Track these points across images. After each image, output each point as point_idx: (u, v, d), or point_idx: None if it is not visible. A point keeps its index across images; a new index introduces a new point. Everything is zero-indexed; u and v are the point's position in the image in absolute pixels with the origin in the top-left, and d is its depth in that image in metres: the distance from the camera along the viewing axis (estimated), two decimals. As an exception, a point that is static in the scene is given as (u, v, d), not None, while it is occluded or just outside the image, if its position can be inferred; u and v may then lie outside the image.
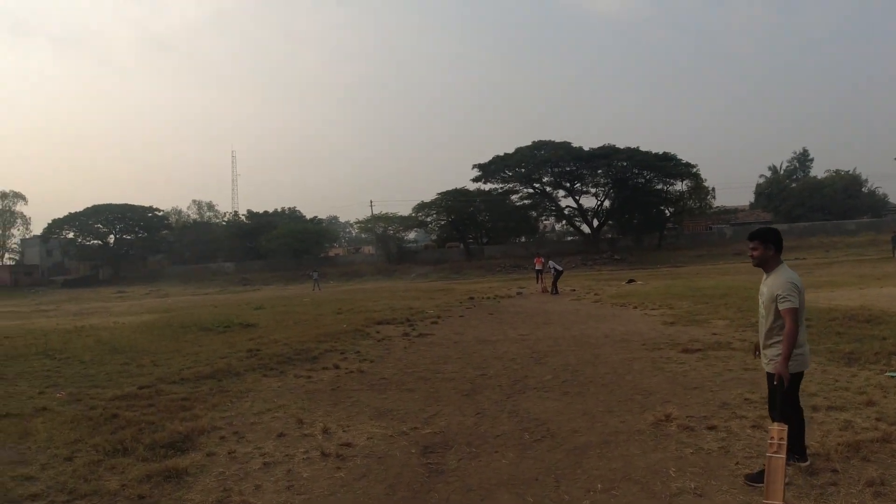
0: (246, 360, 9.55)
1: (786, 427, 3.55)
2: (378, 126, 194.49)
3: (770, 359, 4.06)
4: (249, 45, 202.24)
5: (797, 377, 4.06)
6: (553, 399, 6.49)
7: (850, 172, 68.81)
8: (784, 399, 3.86)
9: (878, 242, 42.78)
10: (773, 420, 3.74)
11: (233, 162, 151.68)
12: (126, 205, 73.30)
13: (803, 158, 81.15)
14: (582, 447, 4.87)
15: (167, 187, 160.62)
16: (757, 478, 3.84)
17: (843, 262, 32.09)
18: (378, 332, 12.61)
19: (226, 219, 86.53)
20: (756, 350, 4.47)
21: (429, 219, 64.47)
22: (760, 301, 4.24)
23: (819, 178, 71.32)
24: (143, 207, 74.35)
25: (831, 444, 4.45)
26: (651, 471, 4.28)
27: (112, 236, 74.19)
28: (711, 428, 5.11)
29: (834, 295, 14.51)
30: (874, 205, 68.57)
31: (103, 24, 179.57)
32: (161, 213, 77.52)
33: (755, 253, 4.17)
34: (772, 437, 3.51)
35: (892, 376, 6.31)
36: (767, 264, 4.16)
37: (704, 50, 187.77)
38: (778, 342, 4.00)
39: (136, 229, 74.08)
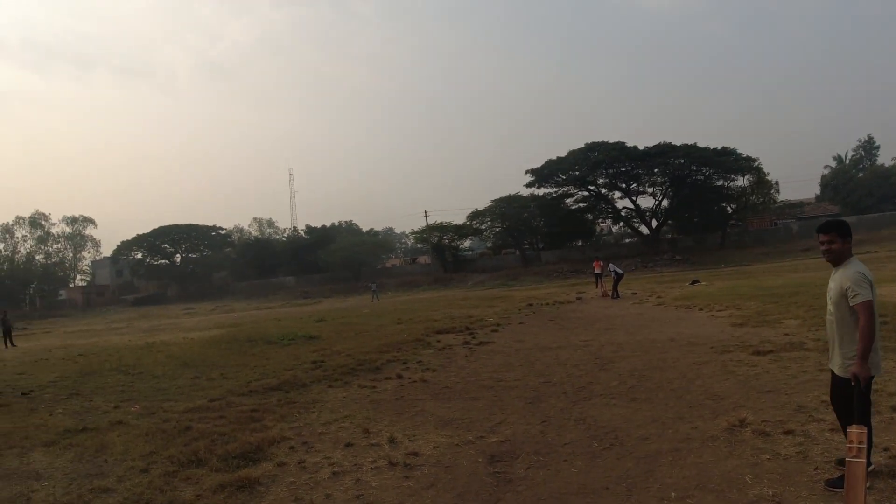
0: (311, 371, 9.75)
1: (865, 430, 3.36)
2: (431, 136, 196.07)
3: (844, 360, 3.83)
4: (298, 64, 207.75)
5: (868, 383, 3.77)
6: (620, 406, 6.36)
7: (921, 158, 65.00)
8: (861, 401, 3.62)
9: (959, 231, 40.17)
10: (851, 424, 3.52)
11: (290, 178, 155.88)
12: (190, 225, 76.52)
13: (869, 146, 77.13)
14: (653, 455, 4.75)
15: (229, 206, 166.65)
16: (837, 483, 3.67)
17: (921, 254, 30.32)
18: (439, 342, 12.67)
19: (285, 234, 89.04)
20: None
21: (483, 226, 64.47)
22: (829, 297, 4.01)
23: (887, 166, 67.70)
24: (206, 227, 77.49)
25: (916, 447, 4.21)
26: (726, 478, 4.15)
27: (178, 255, 77.54)
28: (788, 432, 4.91)
29: (914, 289, 13.72)
30: (947, 190, 64.47)
31: (162, 52, 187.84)
32: (224, 232, 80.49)
33: (833, 247, 3.91)
34: (850, 441, 3.33)
35: None
36: (841, 257, 3.91)
37: (756, 39, 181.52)
38: (850, 342, 3.77)
39: (201, 248, 77.26)
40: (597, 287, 26.02)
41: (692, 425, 5.42)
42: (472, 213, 63.85)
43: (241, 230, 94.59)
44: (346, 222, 77.13)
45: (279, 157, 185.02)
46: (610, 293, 22.33)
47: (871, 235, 46.24)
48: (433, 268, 66.57)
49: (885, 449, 4.28)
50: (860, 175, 68.49)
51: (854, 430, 3.36)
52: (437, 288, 52.80)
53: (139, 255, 77.80)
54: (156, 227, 75.55)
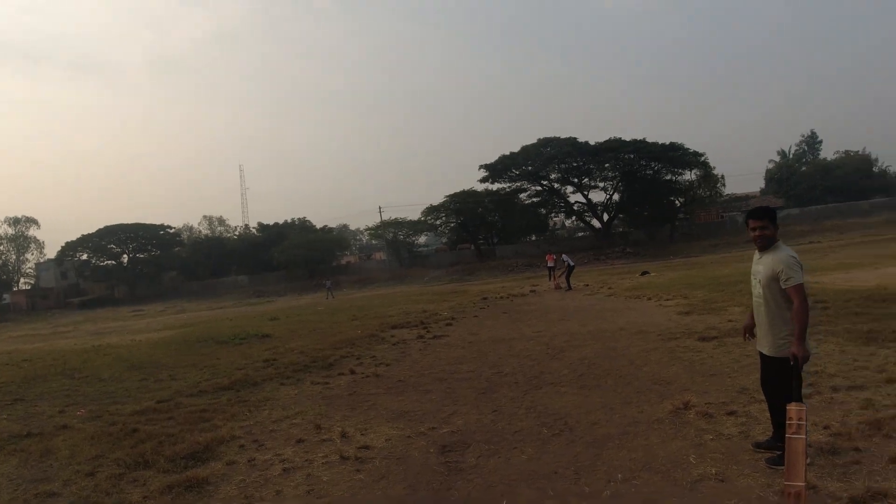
0: (263, 370, 9.61)
1: (804, 407, 3.47)
2: (383, 131, 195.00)
3: (777, 341, 3.95)
4: (252, 59, 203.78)
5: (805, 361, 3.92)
6: (571, 393, 6.46)
7: (861, 153, 68.13)
8: (798, 380, 3.74)
9: (893, 222, 42.25)
10: (790, 402, 3.61)
11: (241, 175, 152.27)
12: (138, 224, 74.05)
13: (812, 141, 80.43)
14: (601, 439, 4.84)
15: (178, 204, 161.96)
16: (778, 461, 3.79)
17: (859, 244, 31.73)
18: (393, 336, 12.64)
19: (237, 232, 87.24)
20: (746, 332, 4.39)
21: (438, 222, 64.59)
22: (755, 281, 4.11)
23: (829, 160, 70.63)
24: (154, 226, 75.11)
25: (852, 423, 4.42)
26: (671, 459, 4.25)
27: (125, 256, 74.95)
28: (731, 413, 5.08)
29: (850, 276, 14.37)
30: (887, 184, 67.70)
31: (111, 46, 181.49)
32: (173, 230, 78.25)
33: (766, 232, 4.01)
34: (790, 418, 3.43)
35: None
36: (770, 243, 4.02)
37: (702, 36, 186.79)
38: (785, 323, 3.90)
39: (149, 247, 74.78)
40: (550, 280, 26.36)
41: (639, 409, 5.54)
42: (427, 208, 63.91)
43: (190, 229, 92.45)
44: (299, 219, 75.76)
45: (230, 154, 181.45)
46: (563, 285, 22.66)
47: (815, 227, 48.22)
48: (389, 264, 66.32)
49: (826, 427, 4.44)
50: (803, 169, 71.26)
51: (793, 407, 3.46)
52: (393, 284, 52.63)
53: (85, 257, 74.91)
54: (101, 226, 73.02)
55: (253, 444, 5.54)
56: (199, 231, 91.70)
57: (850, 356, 6.54)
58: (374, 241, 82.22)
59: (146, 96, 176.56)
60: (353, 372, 8.86)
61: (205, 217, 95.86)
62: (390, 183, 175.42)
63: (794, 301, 3.81)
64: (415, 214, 68.34)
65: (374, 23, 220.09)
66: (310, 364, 9.77)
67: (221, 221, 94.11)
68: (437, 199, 77.68)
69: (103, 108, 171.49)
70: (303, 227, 73.16)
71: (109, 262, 74.68)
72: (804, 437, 3.37)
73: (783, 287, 3.86)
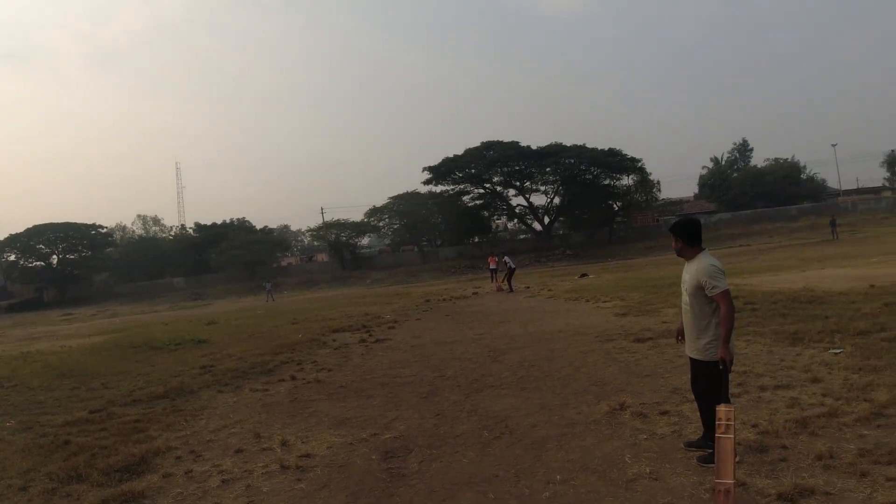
0: (199, 377, 9.36)
1: (732, 408, 3.63)
2: (326, 130, 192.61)
3: (705, 345, 4.13)
4: (192, 53, 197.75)
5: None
6: (511, 395, 6.56)
7: (790, 160, 71.69)
8: (726, 382, 3.96)
9: (819, 226, 44.65)
10: (719, 404, 3.79)
11: (177, 174, 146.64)
12: (68, 223, 70.45)
13: (743, 149, 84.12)
14: (540, 441, 4.94)
15: (110, 203, 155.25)
16: (708, 459, 3.97)
17: (786, 247, 33.42)
18: (335, 341, 12.52)
19: (173, 233, 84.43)
20: (679, 335, 4.60)
21: (382, 223, 64.42)
22: (683, 289, 4.33)
23: (759, 167, 74.00)
24: (85, 225, 71.63)
25: (779, 422, 4.62)
26: (607, 459, 4.38)
27: (55, 257, 71.24)
28: (664, 413, 5.27)
29: (777, 278, 15.12)
30: (814, 190, 71.57)
31: (43, 35, 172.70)
32: (105, 230, 74.94)
33: (675, 245, 4.33)
34: (719, 419, 3.59)
35: (836, 353, 6.60)
36: (686, 254, 4.28)
37: (641, 46, 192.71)
38: (711, 328, 4.09)
39: (80, 248, 71.28)
40: (492, 282, 26.64)
41: (577, 410, 5.68)
42: (371, 210, 63.67)
43: (123, 228, 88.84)
44: (238, 220, 73.78)
45: (166, 151, 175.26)
46: (505, 288, 22.95)
47: (745, 230, 50.48)
48: (331, 266, 65.57)
49: (754, 425, 4.65)
50: (735, 175, 74.40)
51: (722, 408, 3.62)
52: (335, 286, 52.08)
53: (13, 258, 70.95)
54: (30, 225, 69.22)
55: (190, 455, 5.40)
56: (133, 231, 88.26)
57: (777, 356, 6.86)
58: (316, 243, 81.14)
59: (81, 88, 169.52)
60: (293, 378, 8.73)
61: (139, 216, 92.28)
62: (333, 183, 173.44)
63: (721, 307, 4.00)
64: (358, 215, 68.07)
65: (318, 18, 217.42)
66: (249, 370, 9.57)
67: (156, 221, 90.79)
68: (381, 200, 77.41)
69: (34, 100, 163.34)
70: (242, 227, 71.33)
71: (38, 263, 70.90)
72: (733, 436, 3.53)
73: (709, 295, 4.05)
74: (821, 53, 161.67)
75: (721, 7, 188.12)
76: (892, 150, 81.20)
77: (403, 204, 61.57)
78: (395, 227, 65.02)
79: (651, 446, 4.54)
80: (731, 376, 5.79)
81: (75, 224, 70.90)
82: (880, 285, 11.33)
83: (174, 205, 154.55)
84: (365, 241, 74.82)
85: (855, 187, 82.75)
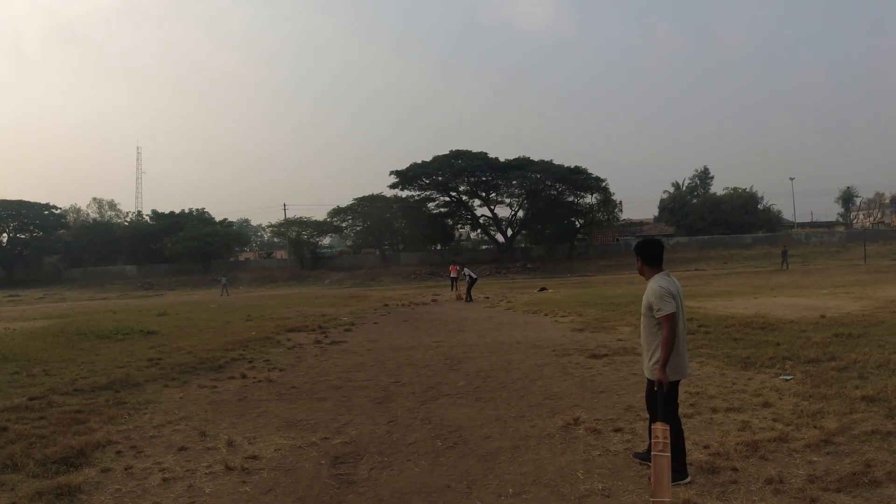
0: (146, 369, 9.05)
1: (668, 427, 3.69)
2: (293, 128, 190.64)
3: (653, 365, 4.20)
4: (162, 38, 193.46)
5: (674, 385, 4.21)
6: (466, 405, 6.51)
7: (748, 190, 73.75)
8: (664, 403, 4.01)
9: (772, 255, 45.94)
10: (657, 421, 3.89)
11: (138, 158, 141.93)
12: (21, 201, 67.47)
13: (704, 176, 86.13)
14: (494, 453, 4.90)
15: (65, 183, 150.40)
16: (645, 457, 4.04)
17: (740, 274, 34.28)
18: (289, 340, 12.28)
19: (128, 219, 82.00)
20: None
21: (344, 224, 63.77)
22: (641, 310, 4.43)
23: (719, 194, 75.94)
24: (38, 204, 68.72)
25: (731, 444, 4.67)
26: (560, 473, 4.37)
27: (5, 235, 68.19)
28: (617, 430, 5.29)
29: (731, 304, 15.45)
30: (769, 221, 73.69)
31: (6, 7, 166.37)
32: (58, 211, 72.16)
33: (637, 265, 4.44)
34: (656, 437, 3.65)
35: (787, 379, 6.75)
36: (645, 273, 4.38)
37: (616, 71, 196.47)
38: (656, 349, 4.16)
39: (31, 228, 68.46)
40: (452, 290, 26.62)
41: (532, 423, 5.67)
42: (334, 209, 62.95)
43: (78, 211, 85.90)
44: (197, 210, 71.88)
45: (128, 135, 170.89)
46: (464, 297, 22.95)
47: (701, 255, 51.72)
48: (290, 263, 64.61)
49: (706, 446, 4.70)
50: (694, 201, 76.16)
51: (658, 426, 3.70)
52: (293, 284, 51.38)
53: (-41, 234, 67.69)
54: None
55: (131, 450, 5.20)
56: (87, 214, 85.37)
57: (729, 379, 6.98)
58: (276, 239, 79.87)
59: (40, 63, 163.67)
60: (244, 376, 8.51)
61: (94, 199, 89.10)
62: (297, 180, 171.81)
63: (663, 329, 4.06)
64: (321, 214, 67.20)
65: (289, 11, 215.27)
66: (198, 365, 9.31)
67: (112, 206, 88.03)
68: (345, 200, 76.70)
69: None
70: (200, 218, 69.65)
71: (-14, 241, 67.80)
72: (668, 454, 3.57)
73: (656, 317, 4.12)
74: (785, 89, 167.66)
75: (692, 38, 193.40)
76: (848, 188, 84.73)
77: (368, 206, 61.09)
78: (358, 228, 64.41)
79: (604, 462, 4.55)
80: (682, 396, 5.78)
81: (28, 202, 68.00)
82: (830, 316, 11.68)
83: (133, 190, 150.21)
84: (326, 240, 73.99)
85: (809, 220, 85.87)
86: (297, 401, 7.03)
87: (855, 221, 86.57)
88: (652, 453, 3.61)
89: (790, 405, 5.72)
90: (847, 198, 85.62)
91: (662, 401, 4.00)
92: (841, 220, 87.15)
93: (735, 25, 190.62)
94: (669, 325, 4.00)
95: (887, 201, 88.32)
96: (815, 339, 8.92)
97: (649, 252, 4.32)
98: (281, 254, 74.55)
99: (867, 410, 5.34)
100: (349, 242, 69.69)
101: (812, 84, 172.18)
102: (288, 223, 64.91)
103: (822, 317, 11.66)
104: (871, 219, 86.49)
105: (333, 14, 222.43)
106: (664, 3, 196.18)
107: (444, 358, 9.63)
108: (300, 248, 64.42)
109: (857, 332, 9.54)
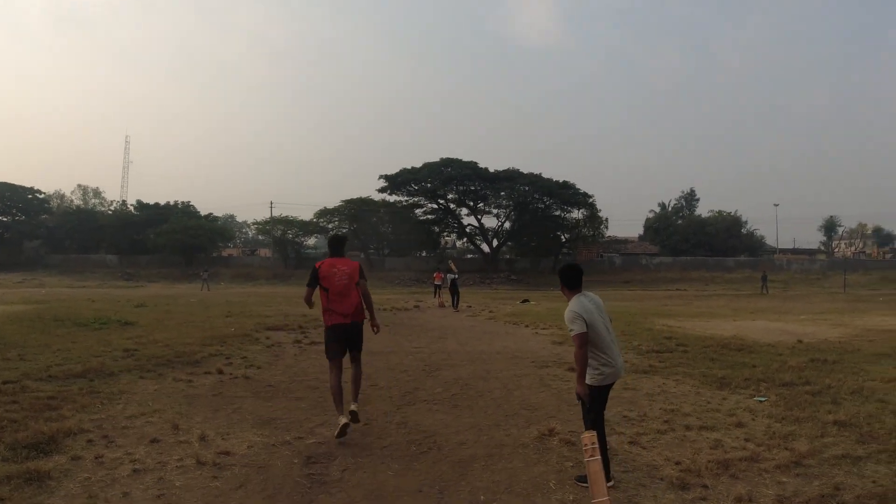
0: (121, 359, 8.97)
1: (594, 433, 3.91)
2: (285, 126, 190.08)
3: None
4: (166, 27, 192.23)
5: (600, 391, 4.39)
6: (442, 412, 6.52)
7: (733, 214, 74.64)
8: (588, 412, 4.31)
9: (753, 279, 46.54)
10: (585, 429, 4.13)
11: (126, 147, 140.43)
12: (4, 183, 66.65)
13: (690, 198, 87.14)
14: (468, 459, 4.91)
15: (51, 168, 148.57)
16: (583, 479, 4.14)
17: (721, 296, 34.61)
18: (268, 338, 12.21)
19: (112, 208, 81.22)
20: None
21: (331, 225, 63.59)
22: None
23: (703, 216, 76.77)
24: (23, 188, 67.93)
25: (702, 461, 4.70)
26: (533, 483, 4.39)
27: (-13, 216, 67.34)
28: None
29: (710, 325, 15.60)
30: (752, 245, 74.64)
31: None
32: (42, 196, 71.38)
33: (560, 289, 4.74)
34: (585, 444, 3.81)
35: (761, 401, 6.82)
36: (566, 296, 4.74)
37: (610, 84, 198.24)
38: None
39: (14, 211, 67.54)
40: (436, 297, 26.62)
41: (507, 433, 5.68)
42: (321, 210, 62.85)
43: (62, 196, 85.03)
44: (183, 203, 71.33)
45: (117, 123, 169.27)
46: (447, 304, 22.95)
47: (683, 275, 52.23)
48: (274, 262, 64.32)
49: (677, 463, 4.73)
50: (679, 222, 76.95)
51: (586, 435, 3.89)
52: (275, 283, 51.11)
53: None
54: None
55: (102, 439, 5.15)
56: (72, 200, 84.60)
57: (704, 398, 7.04)
58: (261, 237, 79.57)
59: (39, 46, 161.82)
60: (220, 372, 8.44)
61: (79, 186, 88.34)
62: (286, 179, 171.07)
63: (575, 347, 4.33)
64: (308, 214, 66.86)
65: (302, 10, 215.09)
66: (174, 359, 9.24)
67: (97, 193, 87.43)
68: (334, 202, 76.45)
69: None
70: (185, 211, 69.13)
71: (-32, 222, 66.76)
72: (599, 458, 3.74)
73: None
74: (775, 118, 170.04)
75: (691, 64, 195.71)
76: (831, 217, 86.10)
77: (355, 209, 61.06)
78: (344, 230, 64.34)
79: (576, 474, 4.56)
80: (656, 413, 6.02)
81: (11, 185, 67.20)
82: (807, 342, 11.82)
83: (118, 179, 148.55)
84: (312, 241, 73.76)
85: (792, 247, 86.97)
86: (272, 399, 7.00)
87: (836, 250, 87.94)
88: (585, 459, 3.79)
89: (763, 426, 5.78)
90: (830, 227, 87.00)
91: (586, 411, 4.31)
92: (823, 248, 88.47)
93: (730, 50, 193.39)
94: (577, 343, 4.28)
95: (869, 232, 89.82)
96: (791, 363, 9.02)
97: (567, 276, 4.75)
98: (265, 252, 74.08)
99: (839, 435, 5.41)
100: (335, 244, 69.36)
101: (800, 115, 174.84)
102: (274, 221, 64.67)
103: (799, 342, 11.80)
104: (853, 248, 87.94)
105: (330, 13, 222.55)
106: (663, 24, 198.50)
107: (422, 364, 9.62)
108: (285, 247, 64.17)
109: (832, 357, 9.66)
